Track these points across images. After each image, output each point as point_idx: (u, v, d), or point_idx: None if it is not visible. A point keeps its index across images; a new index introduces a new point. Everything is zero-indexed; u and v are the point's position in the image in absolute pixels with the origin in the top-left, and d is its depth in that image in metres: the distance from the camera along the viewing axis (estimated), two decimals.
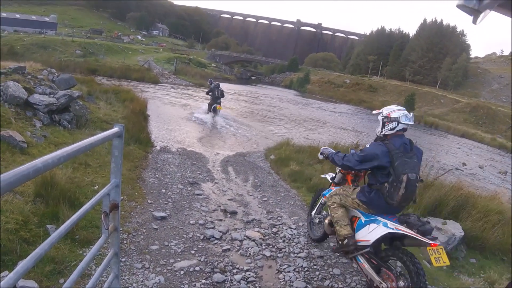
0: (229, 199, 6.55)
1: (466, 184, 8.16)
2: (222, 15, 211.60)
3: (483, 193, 8.39)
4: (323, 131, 21.35)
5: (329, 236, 4.93)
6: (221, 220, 5.55)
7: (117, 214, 2.20)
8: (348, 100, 66.47)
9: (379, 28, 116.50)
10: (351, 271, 4.63)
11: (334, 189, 4.63)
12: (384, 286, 3.65)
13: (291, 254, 4.79)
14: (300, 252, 4.86)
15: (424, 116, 54.99)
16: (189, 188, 6.76)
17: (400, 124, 3.92)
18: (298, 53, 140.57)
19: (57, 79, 11.98)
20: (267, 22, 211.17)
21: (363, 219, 4.07)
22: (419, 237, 3.43)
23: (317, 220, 5.11)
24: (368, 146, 4.02)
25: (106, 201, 2.12)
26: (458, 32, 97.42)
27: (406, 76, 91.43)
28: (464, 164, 20.98)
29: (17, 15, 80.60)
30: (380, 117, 4.09)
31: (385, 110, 4.08)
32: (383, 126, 4.03)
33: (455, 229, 5.84)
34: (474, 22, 1.49)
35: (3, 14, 76.71)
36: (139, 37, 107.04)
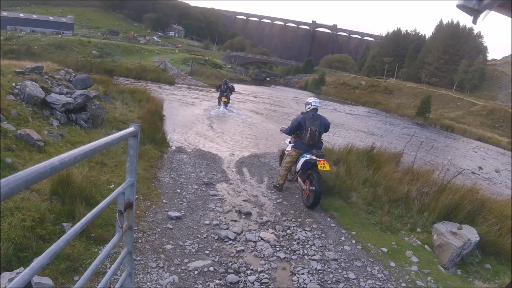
0: (244, 200, 6.56)
1: (482, 188, 8.03)
2: (237, 16, 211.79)
3: (499, 198, 8.23)
4: (338, 133, 21.14)
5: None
6: (235, 221, 5.55)
7: (131, 213, 2.20)
8: (364, 102, 65.82)
9: (395, 29, 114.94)
10: (365, 274, 4.57)
11: (289, 146, 7.87)
12: (304, 187, 6.90)
13: (305, 256, 4.75)
14: (314, 255, 4.82)
15: (441, 118, 54.27)
16: (204, 189, 6.78)
17: (311, 105, 7.19)
18: (314, 55, 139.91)
19: (74, 79, 12.12)
20: (283, 23, 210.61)
21: (298, 156, 7.22)
22: (314, 157, 6.82)
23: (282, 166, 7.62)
24: (295, 118, 7.39)
25: (121, 200, 2.12)
26: (475, 34, 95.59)
27: (422, 78, 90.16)
28: (480, 168, 20.54)
29: (35, 16, 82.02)
30: (304, 103, 7.52)
31: (307, 99, 7.44)
32: (305, 106, 7.36)
33: (470, 233, 5.73)
34: (474, 22, 1.49)
35: (21, 15, 78.45)
36: (155, 38, 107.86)
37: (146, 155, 7.94)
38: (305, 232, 5.49)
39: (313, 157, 6.83)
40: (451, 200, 6.69)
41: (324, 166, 6.68)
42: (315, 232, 5.56)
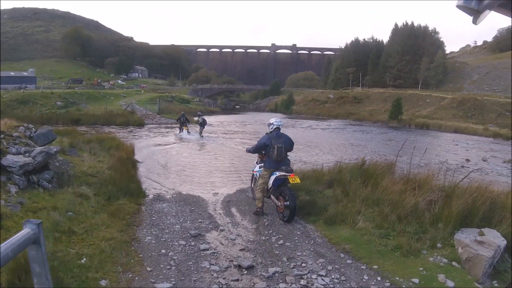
0: (241, 250, 5.62)
1: (480, 182, 7.48)
2: (198, 50, 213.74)
3: (502, 189, 7.70)
4: (320, 152, 20.53)
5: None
6: (237, 280, 4.60)
7: None
8: (336, 115, 66.39)
9: (353, 40, 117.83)
10: None
11: (257, 166, 8.35)
12: (278, 204, 7.15)
13: None
14: None
15: (413, 118, 55.03)
16: (193, 243, 5.81)
17: (273, 125, 7.60)
18: (278, 76, 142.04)
19: (35, 135, 11.07)
20: (243, 50, 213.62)
21: (270, 175, 7.41)
22: (284, 173, 7.14)
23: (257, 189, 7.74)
24: (260, 138, 7.67)
25: None
26: (430, 31, 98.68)
27: (387, 82, 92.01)
28: (468, 160, 20.34)
29: None
30: (267, 123, 7.84)
31: (269, 120, 7.84)
32: (268, 127, 7.73)
33: (495, 238, 5.18)
34: (474, 22, 1.51)
35: None
36: (120, 81, 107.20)
37: (121, 212, 6.93)
38: (322, 279, 4.62)
39: (282, 173, 7.19)
40: (464, 204, 6.16)
41: (294, 179, 7.08)
42: (333, 276, 4.70)
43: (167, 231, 6.40)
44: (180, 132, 25.80)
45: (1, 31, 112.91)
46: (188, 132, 25.41)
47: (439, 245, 5.61)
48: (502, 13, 1.51)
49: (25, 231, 1.23)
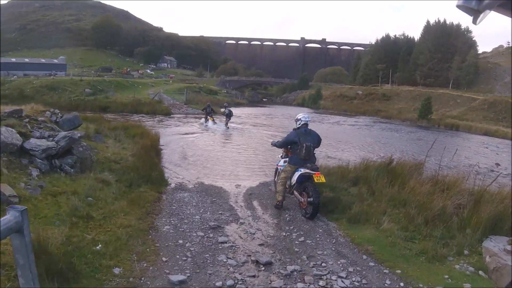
0: (260, 244, 5.45)
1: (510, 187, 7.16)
2: (227, 42, 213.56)
3: None
4: (346, 148, 20.14)
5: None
6: (253, 276, 4.44)
7: None
8: (364, 112, 65.23)
9: (384, 36, 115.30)
10: None
11: (282, 161, 8.16)
12: (302, 199, 7.02)
13: None
14: None
15: (443, 118, 53.64)
16: (211, 235, 5.70)
17: (301, 121, 7.43)
18: (306, 70, 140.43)
19: (61, 120, 11.19)
20: (272, 43, 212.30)
21: (293, 171, 7.32)
22: (309, 171, 7.00)
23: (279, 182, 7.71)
24: (288, 133, 7.62)
25: None
26: (463, 29, 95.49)
27: (418, 80, 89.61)
28: (497, 164, 19.53)
29: (26, 60, 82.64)
30: (295, 119, 7.66)
31: (296, 116, 7.70)
32: (296, 122, 7.57)
33: None
34: (474, 22, 1.51)
35: (13, 60, 79.02)
36: (148, 71, 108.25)
37: (141, 200, 6.88)
38: (342, 281, 4.40)
39: (308, 170, 7.05)
40: (494, 210, 5.88)
41: (320, 178, 6.92)
42: (353, 279, 4.48)
43: (186, 221, 6.31)
44: (205, 122, 26.19)
45: (1, 25, 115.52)
46: (214, 123, 25.76)
47: (466, 252, 5.35)
48: (502, 13, 1.50)
49: (6, 219, 1.09)
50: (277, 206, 7.45)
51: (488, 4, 1.39)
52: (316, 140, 7.40)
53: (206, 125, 25.61)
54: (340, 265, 4.89)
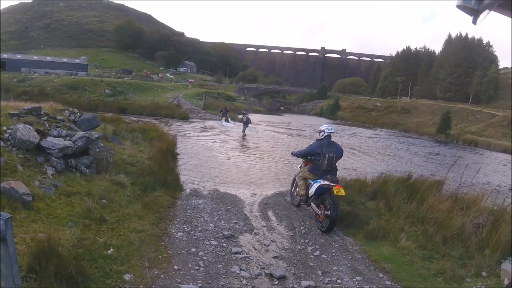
0: (274, 257, 5.33)
1: None
2: (247, 49, 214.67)
3: None
4: (363, 159, 19.89)
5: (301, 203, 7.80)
6: None
7: None
8: (382, 124, 64.57)
9: (404, 48, 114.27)
10: None
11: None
12: (319, 212, 6.81)
13: None
14: None
15: (462, 133, 52.80)
16: (225, 245, 5.59)
17: (324, 132, 7.38)
18: (325, 80, 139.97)
19: (79, 120, 11.21)
20: (292, 52, 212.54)
21: (311, 182, 7.29)
22: (328, 183, 6.82)
23: (295, 194, 8.12)
24: (311, 144, 7.63)
25: None
26: (484, 44, 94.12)
27: (437, 94, 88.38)
28: None
29: (49, 58, 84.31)
30: (317, 130, 7.71)
31: (320, 127, 7.69)
32: (319, 134, 7.54)
33: None
34: (474, 22, 1.50)
35: (35, 57, 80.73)
36: (168, 74, 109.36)
37: (155, 204, 6.82)
38: None
39: (327, 182, 6.86)
40: None
41: (339, 191, 6.76)
42: None
43: (200, 228, 6.22)
44: (222, 120, 32.05)
45: (1, 26, 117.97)
46: (228, 121, 31.47)
47: (484, 273, 5.16)
48: (502, 13, 1.51)
49: None
50: (299, 202, 7.84)
51: (488, 4, 1.41)
52: (340, 152, 7.32)
53: (221, 123, 31.35)
54: (356, 282, 4.73)
